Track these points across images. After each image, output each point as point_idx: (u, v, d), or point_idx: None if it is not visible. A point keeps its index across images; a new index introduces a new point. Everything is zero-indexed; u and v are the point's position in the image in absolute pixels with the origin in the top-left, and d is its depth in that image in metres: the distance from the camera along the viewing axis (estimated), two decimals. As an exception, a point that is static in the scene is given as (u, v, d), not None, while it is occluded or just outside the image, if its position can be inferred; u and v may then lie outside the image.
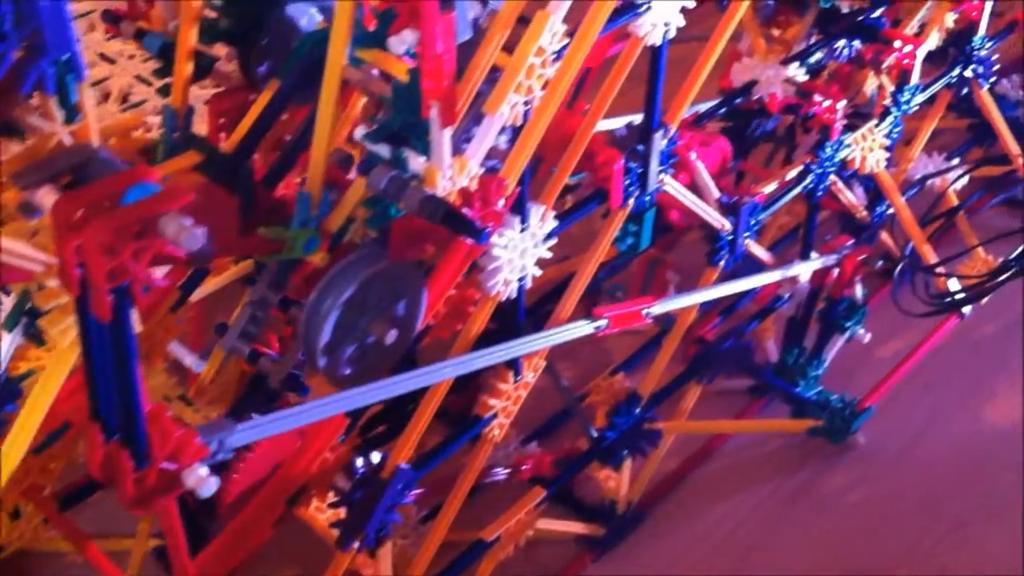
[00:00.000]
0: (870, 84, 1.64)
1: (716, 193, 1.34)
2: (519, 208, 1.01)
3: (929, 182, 1.71)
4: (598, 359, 1.73)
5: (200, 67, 1.06)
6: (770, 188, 1.45)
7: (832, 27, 1.50)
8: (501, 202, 0.92)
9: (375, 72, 0.96)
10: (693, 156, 1.33)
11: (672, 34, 1.06)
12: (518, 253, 1.03)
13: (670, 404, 1.52)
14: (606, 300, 1.71)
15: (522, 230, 1.02)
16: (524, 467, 1.40)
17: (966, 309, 1.60)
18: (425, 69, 0.84)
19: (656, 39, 1.04)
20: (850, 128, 1.52)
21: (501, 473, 1.39)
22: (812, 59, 1.53)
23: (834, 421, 1.47)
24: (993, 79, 1.65)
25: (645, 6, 1.01)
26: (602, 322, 1.12)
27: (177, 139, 1.02)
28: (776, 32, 1.60)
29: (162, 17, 1.07)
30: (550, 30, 0.91)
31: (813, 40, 1.52)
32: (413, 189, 0.87)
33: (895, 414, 1.65)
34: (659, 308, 1.19)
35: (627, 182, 1.13)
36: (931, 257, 1.59)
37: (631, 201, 1.15)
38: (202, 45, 1.05)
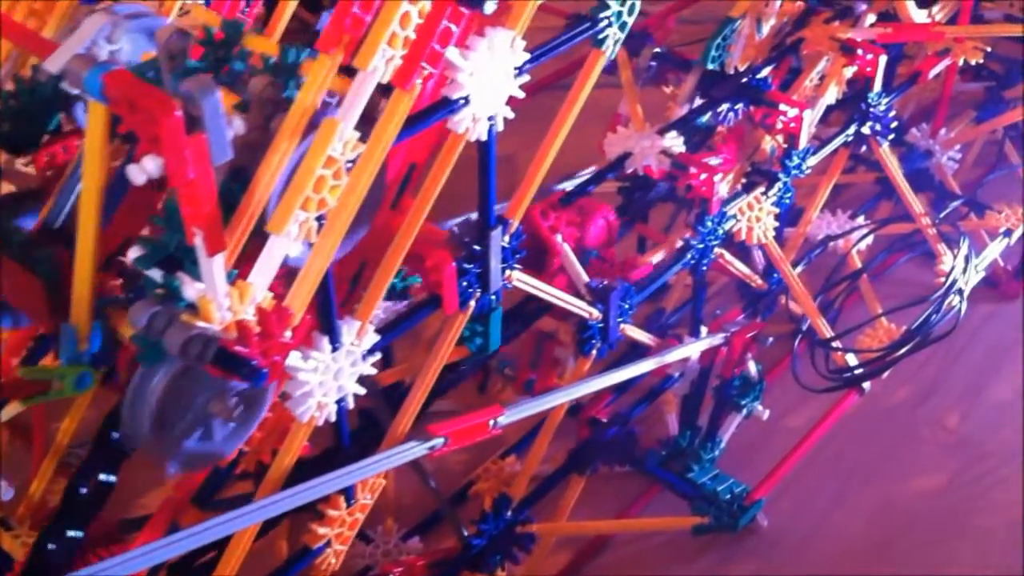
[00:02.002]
0: (768, 141, 1.56)
1: (585, 278, 1.25)
2: (328, 327, 0.91)
3: (832, 243, 1.63)
4: (489, 440, 1.62)
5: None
6: (658, 258, 1.37)
7: (716, 90, 1.42)
8: (288, 333, 0.82)
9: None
10: (559, 239, 1.25)
11: (500, 127, 0.96)
12: (331, 375, 0.93)
13: (555, 495, 1.43)
14: (495, 377, 1.62)
15: (333, 350, 0.92)
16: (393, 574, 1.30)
17: (866, 385, 1.51)
18: (180, 196, 0.74)
19: (480, 134, 0.95)
20: (748, 187, 1.43)
21: (366, 585, 1.29)
22: (700, 121, 1.45)
23: (721, 518, 1.37)
24: (892, 136, 1.57)
25: (461, 101, 0.91)
26: (438, 441, 1.02)
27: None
28: (669, 90, 1.52)
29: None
30: (340, 138, 0.82)
31: (697, 104, 1.43)
32: (177, 327, 0.77)
33: (801, 491, 1.55)
34: (509, 418, 1.09)
35: (465, 284, 1.03)
36: (827, 331, 1.50)
37: (472, 303, 1.05)
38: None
